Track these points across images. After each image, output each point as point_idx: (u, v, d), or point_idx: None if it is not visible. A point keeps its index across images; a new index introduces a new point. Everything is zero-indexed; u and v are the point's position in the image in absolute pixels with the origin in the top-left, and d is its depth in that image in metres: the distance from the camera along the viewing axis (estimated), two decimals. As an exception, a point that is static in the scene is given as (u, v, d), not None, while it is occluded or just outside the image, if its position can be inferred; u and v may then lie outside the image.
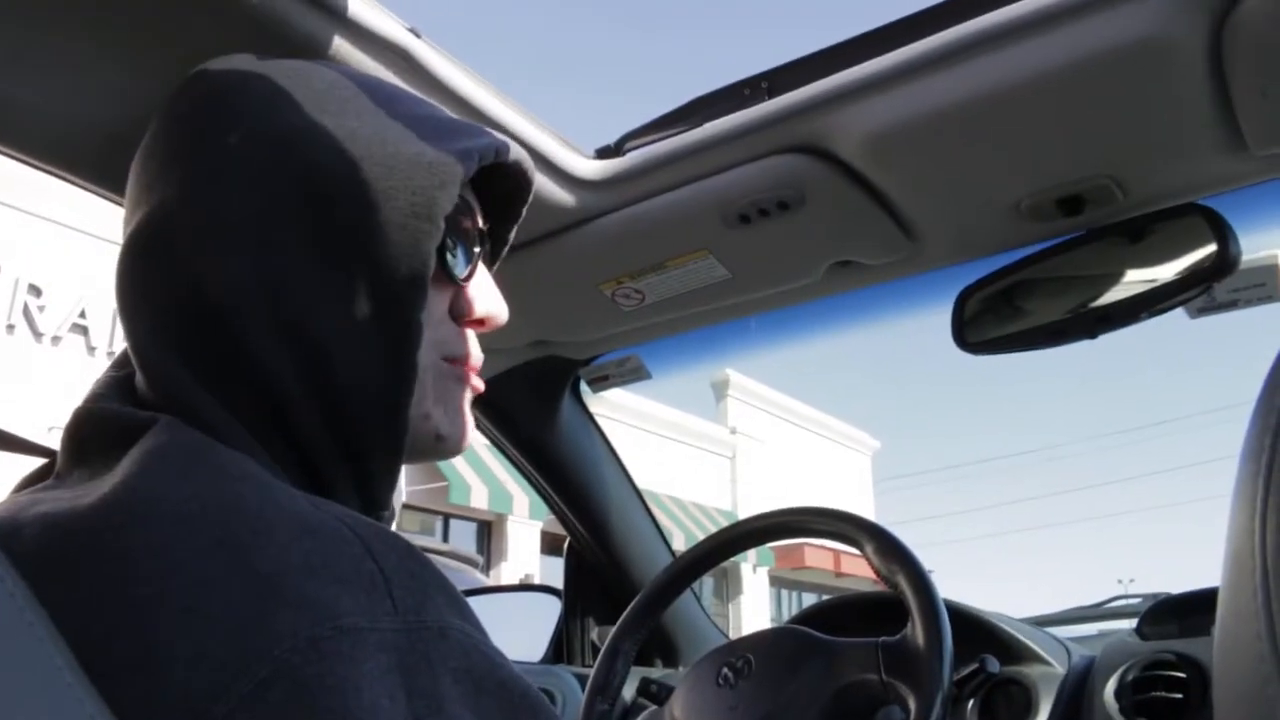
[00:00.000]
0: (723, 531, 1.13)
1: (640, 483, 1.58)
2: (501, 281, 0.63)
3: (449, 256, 0.57)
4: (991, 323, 1.05)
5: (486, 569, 7.89)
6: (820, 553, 15.99)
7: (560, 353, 1.37)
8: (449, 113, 0.62)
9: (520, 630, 1.64)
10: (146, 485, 0.43)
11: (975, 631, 1.13)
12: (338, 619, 0.37)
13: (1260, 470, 0.33)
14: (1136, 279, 0.96)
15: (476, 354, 0.60)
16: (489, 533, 11.60)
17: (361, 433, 0.52)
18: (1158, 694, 1.00)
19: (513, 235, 0.68)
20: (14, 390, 6.87)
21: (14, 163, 0.84)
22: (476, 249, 0.60)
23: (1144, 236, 0.95)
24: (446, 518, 11.09)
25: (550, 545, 11.38)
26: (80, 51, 0.72)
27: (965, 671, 0.90)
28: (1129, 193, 0.93)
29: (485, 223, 0.62)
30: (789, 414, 16.99)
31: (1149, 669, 1.03)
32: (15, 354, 7.44)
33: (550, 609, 1.62)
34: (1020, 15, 0.79)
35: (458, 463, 10.29)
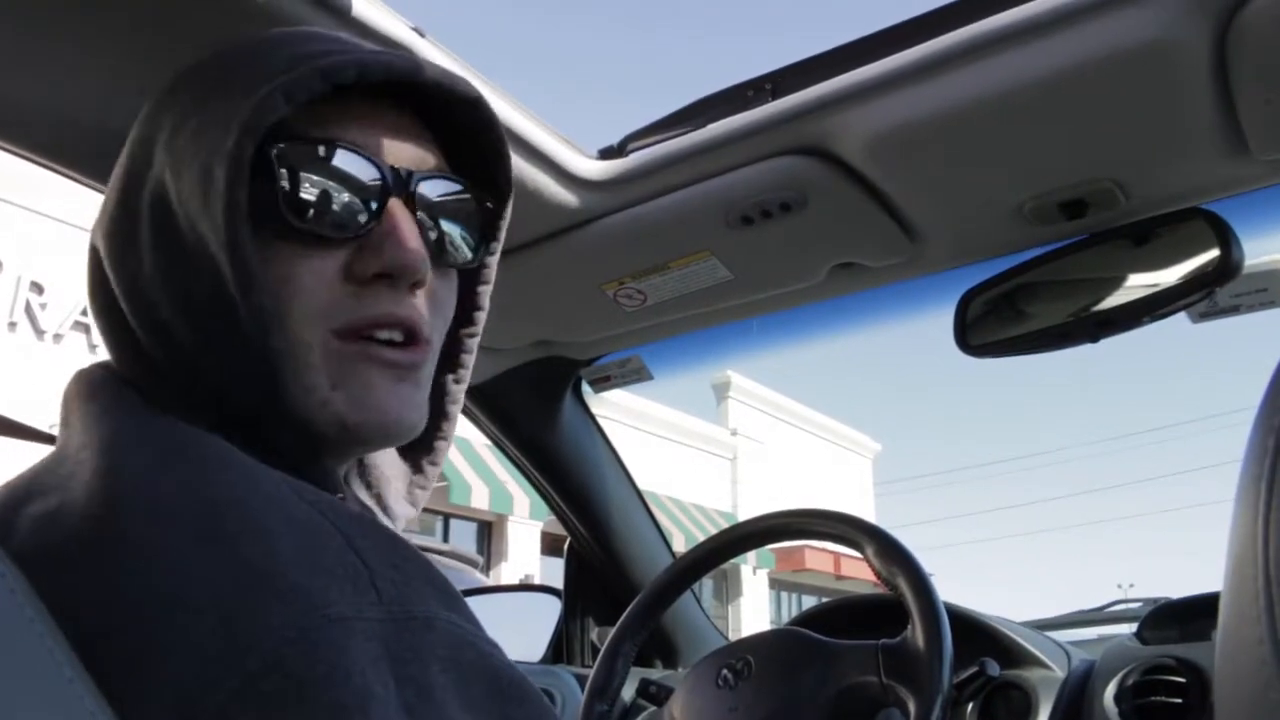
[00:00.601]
0: (723, 533, 1.13)
1: (641, 484, 1.58)
2: (504, 282, 0.62)
3: (312, 212, 0.49)
4: (994, 326, 1.05)
5: (487, 569, 7.88)
6: (820, 555, 15.99)
7: (562, 353, 1.37)
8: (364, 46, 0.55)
9: (520, 630, 1.64)
10: (133, 476, 0.43)
11: (975, 635, 1.13)
12: (326, 609, 0.37)
13: (1263, 474, 0.33)
14: (1139, 283, 0.96)
15: (403, 314, 0.51)
16: (489, 533, 11.60)
17: (259, 425, 0.49)
18: (1158, 699, 1.00)
19: (509, 193, 0.60)
20: (15, 388, 6.87)
21: (15, 159, 0.84)
22: (376, 199, 0.51)
23: (1147, 240, 0.95)
24: (447, 518, 11.09)
25: (550, 546, 11.37)
26: (82, 49, 0.72)
27: (965, 674, 0.90)
28: (1132, 196, 0.93)
29: (441, 164, 0.55)
30: (790, 416, 16.99)
31: (1149, 673, 1.02)
32: (17, 351, 7.45)
33: (550, 609, 1.62)
34: (1024, 18, 0.79)
35: (458, 463, 10.29)
